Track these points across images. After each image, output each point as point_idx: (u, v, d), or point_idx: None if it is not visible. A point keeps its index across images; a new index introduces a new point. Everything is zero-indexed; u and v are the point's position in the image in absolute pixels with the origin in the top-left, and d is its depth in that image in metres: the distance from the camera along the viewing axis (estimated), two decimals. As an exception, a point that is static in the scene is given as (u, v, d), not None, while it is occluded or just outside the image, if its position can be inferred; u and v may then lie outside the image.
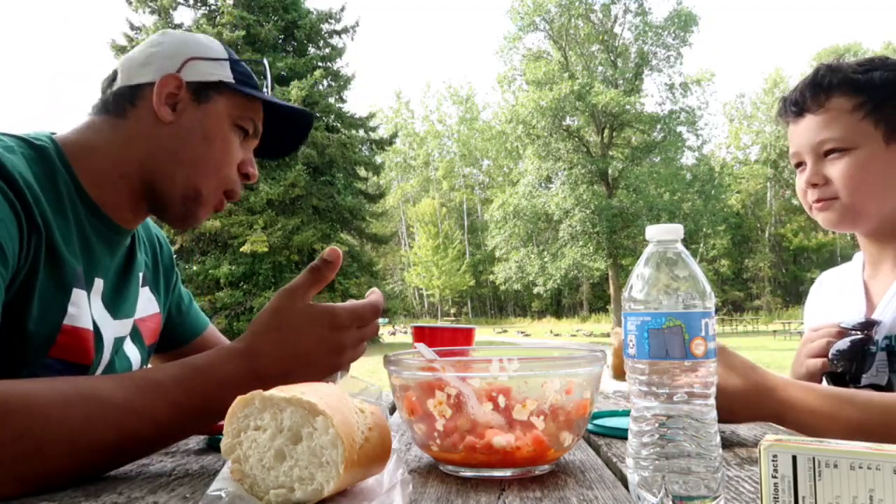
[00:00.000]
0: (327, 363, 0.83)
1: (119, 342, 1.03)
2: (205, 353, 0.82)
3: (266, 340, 0.81)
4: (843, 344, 1.11)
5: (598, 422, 0.98)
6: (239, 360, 0.79)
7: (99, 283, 0.98)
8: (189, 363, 0.79)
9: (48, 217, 0.86)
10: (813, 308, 1.41)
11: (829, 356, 1.11)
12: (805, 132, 1.16)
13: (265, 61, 1.15)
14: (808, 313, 1.42)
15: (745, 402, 0.88)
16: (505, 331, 32.37)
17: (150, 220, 1.24)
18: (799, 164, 1.20)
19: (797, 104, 1.17)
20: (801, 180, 1.19)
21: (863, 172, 1.10)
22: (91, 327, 0.93)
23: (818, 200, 1.16)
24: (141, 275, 1.11)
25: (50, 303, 0.86)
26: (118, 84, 1.01)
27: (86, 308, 0.92)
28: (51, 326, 0.87)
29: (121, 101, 1.00)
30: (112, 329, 1.00)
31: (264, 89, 1.09)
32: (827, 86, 1.13)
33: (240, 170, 1.06)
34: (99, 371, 0.97)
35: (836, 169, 1.12)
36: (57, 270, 0.87)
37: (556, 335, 29.58)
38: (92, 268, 0.96)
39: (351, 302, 0.88)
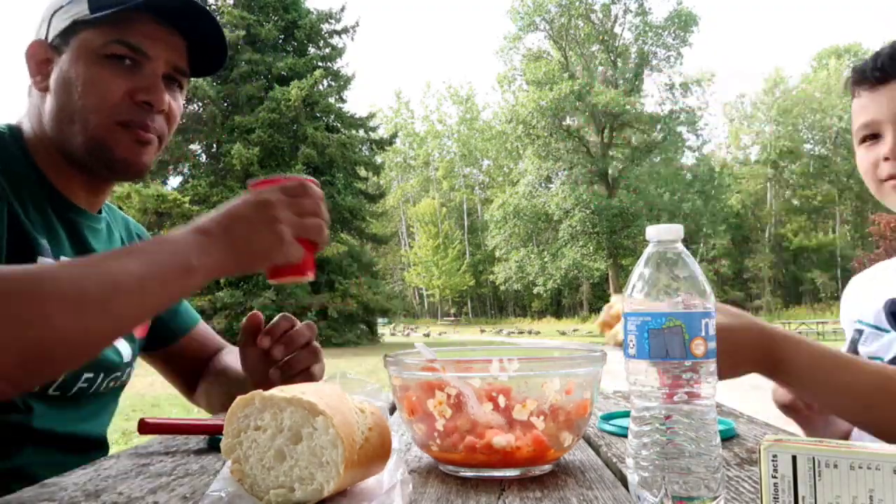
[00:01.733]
0: (260, 218, 0.81)
1: None
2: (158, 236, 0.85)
3: (205, 215, 0.83)
4: None
5: (616, 422, 0.98)
6: (184, 229, 0.81)
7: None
8: (148, 240, 0.84)
9: (6, 191, 0.87)
10: (849, 311, 1.31)
11: None
12: (889, 100, 1.06)
13: None
14: (849, 314, 1.32)
15: (745, 339, 0.85)
16: (520, 332, 32.25)
17: (127, 217, 1.24)
18: (868, 138, 1.12)
19: (883, 69, 1.07)
20: (871, 155, 1.10)
21: None
22: None
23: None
24: None
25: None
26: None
27: None
28: None
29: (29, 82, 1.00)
30: None
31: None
32: None
33: (134, 98, 0.96)
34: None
35: None
36: (21, 241, 0.87)
37: (562, 333, 29.65)
38: (57, 247, 0.94)
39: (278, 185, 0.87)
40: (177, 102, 1.03)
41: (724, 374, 0.88)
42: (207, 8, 1.04)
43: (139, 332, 1.12)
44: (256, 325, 1.05)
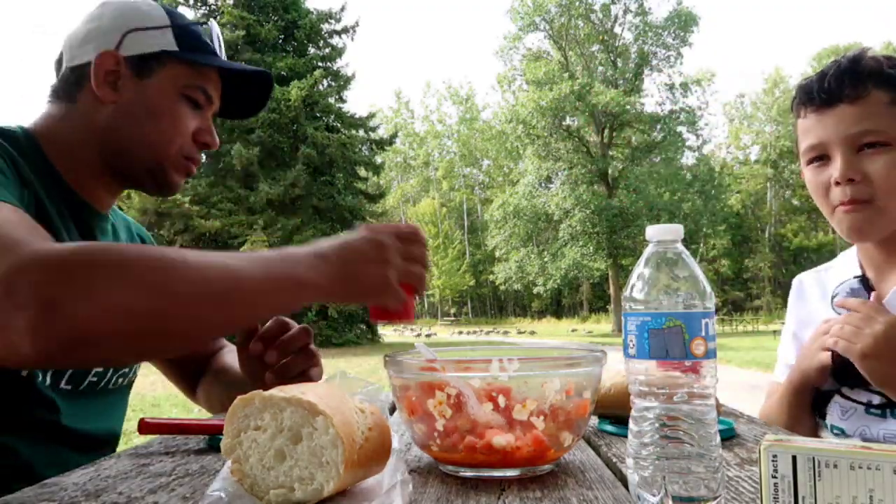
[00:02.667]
0: (374, 257, 0.83)
1: None
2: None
3: (324, 241, 0.84)
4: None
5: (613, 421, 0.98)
6: (304, 249, 0.82)
7: None
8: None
9: (32, 180, 0.89)
10: (799, 310, 1.33)
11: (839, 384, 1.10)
12: (837, 122, 1.05)
13: (213, 24, 1.09)
14: (793, 316, 1.34)
15: None
16: (524, 332, 32.21)
17: (129, 219, 1.24)
18: (816, 159, 1.11)
19: (829, 92, 1.07)
20: (821, 176, 1.09)
21: None
22: None
23: (850, 201, 1.06)
24: None
25: None
26: (64, 66, 1.00)
27: None
28: None
29: (68, 86, 1.00)
30: None
31: (219, 52, 1.06)
32: (865, 76, 1.05)
33: (196, 139, 1.04)
34: None
35: (874, 165, 1.03)
36: (47, 229, 0.88)
37: (574, 330, 29.66)
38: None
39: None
40: None
41: (875, 358, 0.94)
42: (265, 70, 1.11)
43: None
44: (252, 327, 1.05)
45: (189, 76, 1.01)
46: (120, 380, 1.07)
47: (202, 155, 1.09)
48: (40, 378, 0.92)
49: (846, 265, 1.24)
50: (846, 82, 1.06)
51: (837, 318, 1.07)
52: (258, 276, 0.75)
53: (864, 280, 1.14)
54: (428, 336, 28.01)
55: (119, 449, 0.93)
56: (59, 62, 1.02)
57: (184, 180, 1.07)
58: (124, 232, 1.17)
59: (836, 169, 1.06)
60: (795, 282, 1.36)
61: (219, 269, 0.72)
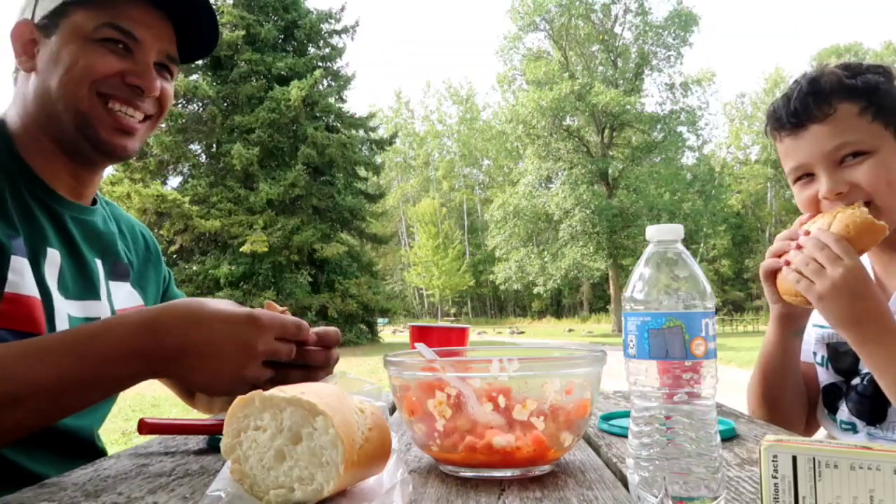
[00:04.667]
0: (233, 356, 0.77)
1: (83, 323, 0.95)
2: (112, 316, 0.82)
3: (177, 317, 0.77)
4: (851, 396, 1.12)
5: (616, 422, 0.98)
6: (142, 330, 0.75)
7: (53, 254, 0.94)
8: (89, 328, 0.77)
9: None
10: None
11: (846, 405, 1.13)
12: (813, 143, 1.09)
13: None
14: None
15: (868, 292, 0.96)
16: (522, 332, 32.21)
17: (132, 218, 1.22)
18: (801, 178, 1.14)
19: (797, 115, 1.10)
20: (808, 192, 1.12)
21: (890, 171, 1.05)
22: (38, 296, 0.89)
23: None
24: (100, 263, 1.06)
25: None
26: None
27: (30, 277, 0.88)
28: None
29: (16, 67, 0.99)
30: (66, 307, 0.95)
31: None
32: (828, 94, 1.08)
33: (126, 80, 0.96)
34: None
35: (860, 172, 1.05)
36: (7, 225, 0.86)
37: (571, 330, 29.64)
38: (38, 238, 0.93)
39: (279, 315, 0.83)
40: (169, 88, 1.04)
41: (833, 301, 0.97)
42: (212, 8, 1.04)
43: None
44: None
45: (94, 16, 0.93)
46: None
47: (141, 103, 0.98)
48: None
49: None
50: (811, 103, 1.09)
51: (805, 238, 1.06)
52: (51, 388, 0.71)
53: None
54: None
55: (119, 449, 0.93)
56: None
57: (127, 139, 0.98)
58: (125, 229, 1.14)
59: (822, 186, 1.09)
60: None
61: (12, 372, 0.69)
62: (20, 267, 0.87)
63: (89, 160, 1.01)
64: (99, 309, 1.02)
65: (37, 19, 0.95)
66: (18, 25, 0.95)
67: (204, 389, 0.82)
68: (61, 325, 0.92)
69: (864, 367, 1.10)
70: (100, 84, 0.94)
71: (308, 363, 0.89)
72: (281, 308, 0.90)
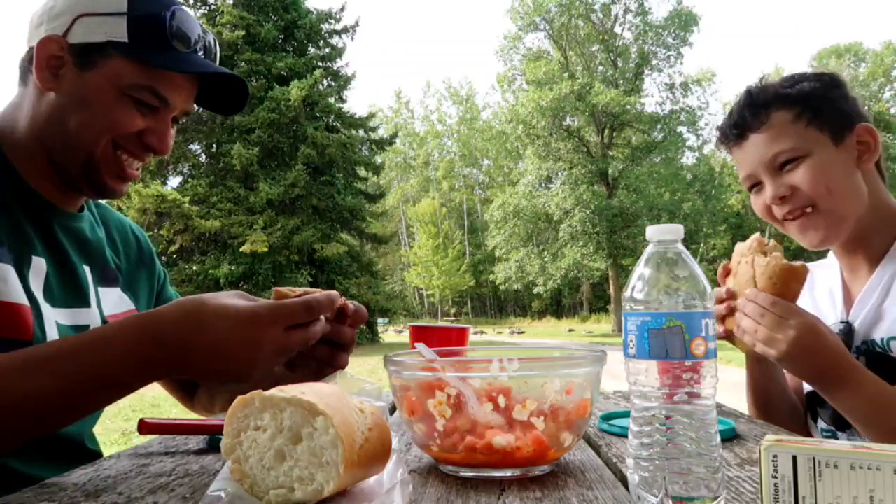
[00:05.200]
0: (239, 356, 0.74)
1: (71, 332, 0.95)
2: (110, 323, 0.80)
3: (176, 321, 0.74)
4: (827, 408, 1.12)
5: (616, 422, 0.98)
6: (142, 335, 0.73)
7: (39, 263, 0.93)
8: (89, 335, 0.76)
9: None
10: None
11: (820, 415, 1.16)
12: (754, 151, 1.15)
13: (184, 12, 0.95)
14: None
15: (830, 346, 0.99)
16: (522, 332, 32.21)
17: (124, 218, 1.21)
18: (753, 186, 1.19)
19: (738, 126, 1.17)
20: (760, 200, 1.18)
21: (825, 173, 1.09)
22: (26, 302, 0.88)
23: (792, 213, 1.13)
24: (88, 270, 1.04)
25: None
26: (26, 48, 0.95)
27: (15, 283, 0.87)
28: None
29: (23, 69, 0.95)
30: (53, 314, 0.94)
31: (198, 51, 0.96)
32: (764, 103, 1.14)
33: (143, 140, 0.96)
34: None
35: (798, 175, 1.11)
36: None
37: (571, 330, 29.64)
38: (23, 246, 0.91)
39: (279, 301, 0.79)
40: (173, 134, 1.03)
41: (792, 362, 1.00)
42: (239, 76, 1.03)
43: None
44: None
45: (136, 74, 0.91)
46: None
47: (147, 159, 0.99)
48: None
49: (831, 265, 1.30)
50: (748, 114, 1.15)
51: (742, 301, 1.07)
52: (53, 398, 0.70)
53: (848, 332, 1.17)
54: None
55: (119, 449, 0.92)
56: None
57: (124, 184, 0.99)
58: (114, 232, 1.13)
59: (766, 192, 1.15)
60: None
61: (6, 393, 0.68)
62: (4, 274, 0.85)
63: (78, 189, 1.00)
64: (88, 316, 1.01)
65: (71, 40, 0.91)
66: (48, 41, 0.90)
67: (217, 386, 0.81)
68: (51, 331, 0.91)
69: None
70: (118, 137, 0.94)
71: (336, 340, 0.87)
72: (296, 292, 0.84)
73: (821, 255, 1.35)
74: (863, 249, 1.17)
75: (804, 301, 1.30)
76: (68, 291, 0.98)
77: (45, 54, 0.90)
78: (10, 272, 0.87)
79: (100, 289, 1.06)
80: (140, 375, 0.74)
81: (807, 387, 1.23)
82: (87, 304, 1.01)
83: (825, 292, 1.27)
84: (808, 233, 1.14)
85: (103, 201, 1.19)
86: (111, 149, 0.95)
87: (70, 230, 1.02)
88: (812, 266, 1.37)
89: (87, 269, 1.04)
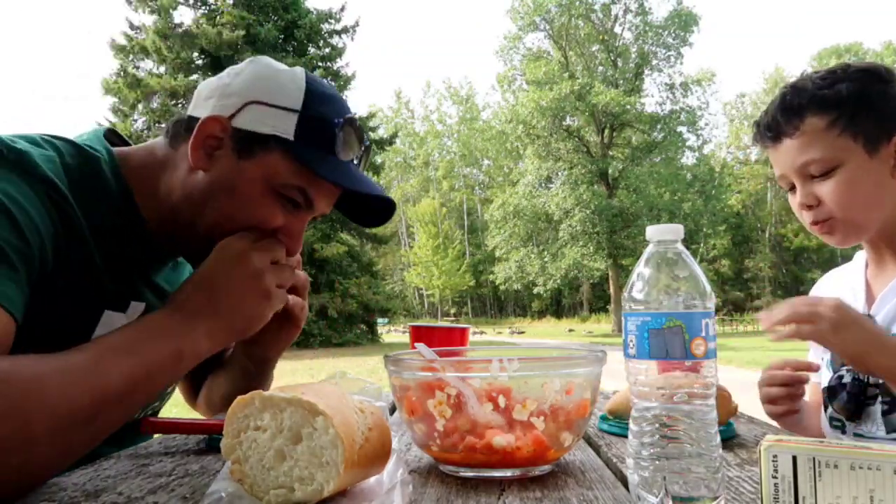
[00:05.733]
0: (244, 281, 0.83)
1: None
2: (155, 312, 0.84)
3: (182, 284, 0.85)
4: (840, 395, 1.14)
5: (614, 422, 0.98)
6: (165, 311, 0.81)
7: (138, 307, 0.93)
8: (126, 328, 0.79)
9: (85, 232, 0.82)
10: None
11: (832, 404, 1.17)
12: (786, 156, 1.14)
13: (354, 124, 0.91)
14: None
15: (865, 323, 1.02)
16: (522, 332, 32.26)
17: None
18: (789, 186, 1.19)
19: (771, 129, 1.16)
20: (794, 201, 1.18)
21: (853, 188, 1.09)
22: None
23: (815, 223, 1.15)
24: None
25: (75, 322, 0.84)
26: (188, 110, 0.93)
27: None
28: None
29: (178, 130, 0.92)
30: None
31: (353, 160, 0.92)
32: (797, 108, 1.11)
33: (277, 235, 0.91)
34: None
35: (825, 189, 1.10)
36: (90, 288, 0.84)
37: (571, 330, 29.69)
38: (128, 291, 0.91)
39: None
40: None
41: (830, 338, 1.02)
42: (391, 198, 0.98)
43: None
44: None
45: (290, 173, 0.88)
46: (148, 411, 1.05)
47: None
48: None
49: (858, 263, 1.31)
50: (782, 119, 1.13)
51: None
52: (129, 370, 0.73)
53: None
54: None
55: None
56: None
57: None
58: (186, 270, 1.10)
59: (798, 196, 1.15)
60: (818, 282, 1.45)
61: (86, 383, 0.69)
62: (111, 322, 0.87)
63: (189, 260, 1.02)
64: None
65: (236, 124, 0.87)
66: (214, 120, 0.87)
67: (248, 326, 0.86)
68: None
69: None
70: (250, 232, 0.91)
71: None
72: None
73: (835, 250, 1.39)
74: (890, 249, 1.17)
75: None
76: None
77: (206, 133, 0.87)
78: (119, 320, 0.88)
79: None
80: (191, 349, 0.80)
81: (826, 380, 1.23)
82: None
83: (847, 291, 1.27)
84: (830, 236, 1.16)
85: None
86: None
87: (169, 269, 1.03)
88: (835, 271, 1.41)
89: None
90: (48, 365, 0.68)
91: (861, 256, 1.30)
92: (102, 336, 0.77)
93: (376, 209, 1.00)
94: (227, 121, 0.87)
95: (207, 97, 0.90)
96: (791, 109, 1.12)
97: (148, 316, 0.82)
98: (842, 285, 1.31)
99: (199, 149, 0.87)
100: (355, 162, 0.93)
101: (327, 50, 24.58)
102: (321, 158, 0.88)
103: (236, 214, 0.88)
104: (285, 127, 0.86)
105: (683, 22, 32.74)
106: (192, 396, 1.26)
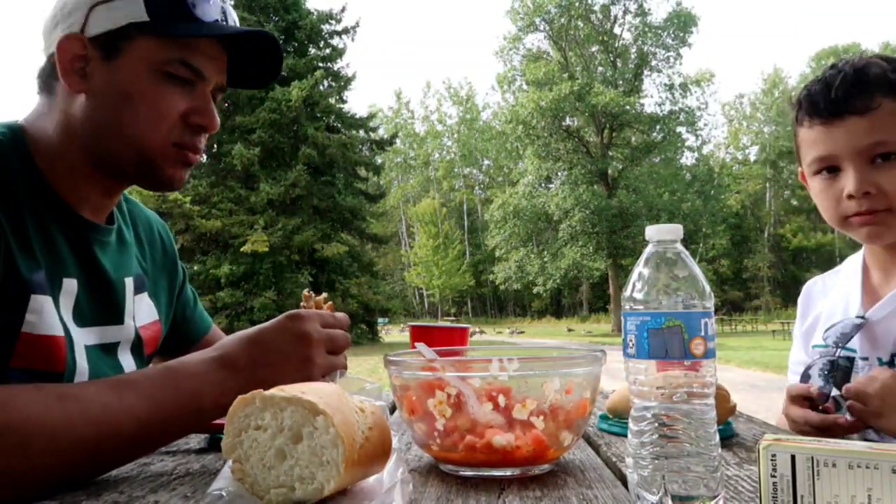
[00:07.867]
0: (297, 354, 0.83)
1: (97, 350, 0.94)
2: (191, 355, 0.82)
3: (237, 344, 0.83)
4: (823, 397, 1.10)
5: (614, 421, 0.98)
6: (219, 363, 0.80)
7: (70, 284, 0.90)
8: (160, 364, 0.81)
9: (3, 227, 0.80)
10: (806, 314, 1.35)
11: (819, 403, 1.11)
12: (848, 134, 1.04)
13: None
14: (801, 320, 1.36)
15: None
16: (522, 332, 32.29)
17: (151, 215, 1.18)
18: (824, 170, 1.09)
19: (836, 104, 1.05)
20: (831, 188, 1.08)
21: None
22: (62, 333, 0.86)
23: (868, 212, 1.04)
24: (131, 280, 1.03)
25: (1, 312, 0.81)
26: (44, 56, 0.91)
27: (52, 314, 0.85)
28: (5, 336, 0.81)
29: (46, 77, 0.92)
30: (81, 336, 0.91)
31: (217, 15, 0.91)
32: (875, 84, 1.03)
33: (189, 121, 0.91)
34: (76, 380, 0.88)
35: (888, 176, 1.02)
36: (13, 281, 0.81)
37: (571, 330, 29.73)
38: (57, 268, 0.88)
39: (315, 310, 0.91)
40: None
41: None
42: (269, 32, 0.97)
43: (148, 348, 1.06)
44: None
45: (165, 49, 0.87)
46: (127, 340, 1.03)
47: (202, 140, 0.95)
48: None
49: (852, 268, 1.25)
50: (854, 94, 1.04)
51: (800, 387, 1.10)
52: (141, 413, 0.72)
53: (859, 325, 1.13)
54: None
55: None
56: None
57: (185, 172, 0.96)
58: (131, 234, 1.09)
59: (850, 182, 1.04)
60: (805, 287, 1.38)
61: (92, 417, 0.69)
62: (40, 306, 0.84)
63: (130, 182, 0.97)
64: (119, 333, 0.99)
65: (89, 34, 0.86)
66: (68, 39, 0.86)
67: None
68: (80, 357, 0.90)
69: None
70: (172, 133, 0.91)
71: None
72: (324, 302, 0.99)
73: (821, 251, 1.35)
74: None
75: (817, 308, 1.29)
76: (99, 310, 0.96)
77: (67, 55, 0.86)
78: (48, 303, 0.85)
79: (135, 297, 1.04)
80: (215, 401, 0.78)
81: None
82: (119, 321, 0.99)
83: (839, 298, 1.23)
84: (875, 229, 1.07)
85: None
86: (168, 142, 0.91)
87: (105, 245, 0.99)
88: (823, 277, 1.35)
89: (129, 280, 1.02)
90: (56, 391, 0.70)
91: (856, 261, 1.24)
92: (127, 374, 0.78)
93: (271, 65, 1.01)
94: (80, 35, 0.86)
95: (53, 28, 0.90)
96: (865, 86, 1.03)
97: (183, 358, 0.81)
98: (833, 292, 1.27)
99: (69, 74, 0.87)
100: (220, 21, 0.93)
101: (328, 50, 24.59)
102: (183, 24, 0.88)
103: (138, 116, 0.88)
104: (136, 11, 0.86)
105: (682, 23, 32.72)
106: None
